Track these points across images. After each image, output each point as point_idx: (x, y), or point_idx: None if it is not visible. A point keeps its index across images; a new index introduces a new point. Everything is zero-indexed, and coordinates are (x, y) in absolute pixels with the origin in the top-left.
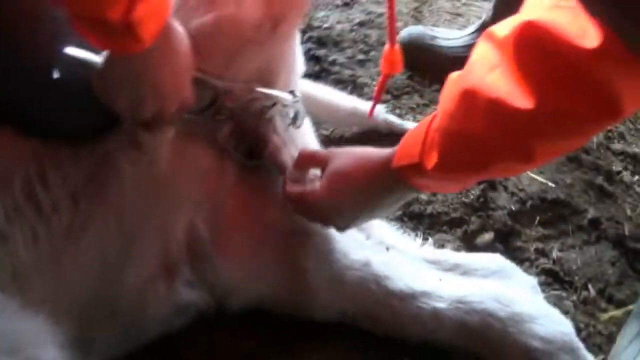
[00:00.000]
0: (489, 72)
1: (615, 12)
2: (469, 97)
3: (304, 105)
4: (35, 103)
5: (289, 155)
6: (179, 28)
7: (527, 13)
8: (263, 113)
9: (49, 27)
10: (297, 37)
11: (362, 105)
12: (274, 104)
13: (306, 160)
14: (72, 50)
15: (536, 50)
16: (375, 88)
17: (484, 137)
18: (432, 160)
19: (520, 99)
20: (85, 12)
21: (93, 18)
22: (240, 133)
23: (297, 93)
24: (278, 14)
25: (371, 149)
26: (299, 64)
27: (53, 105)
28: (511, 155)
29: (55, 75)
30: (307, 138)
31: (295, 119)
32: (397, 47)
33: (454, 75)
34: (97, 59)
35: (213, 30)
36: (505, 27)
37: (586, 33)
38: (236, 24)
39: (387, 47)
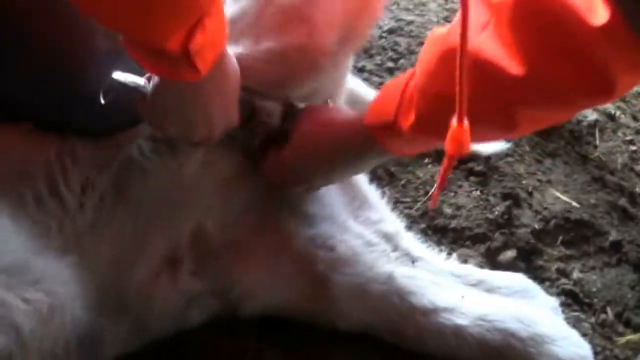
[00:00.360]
0: (477, 33)
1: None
2: (453, 59)
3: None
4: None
5: None
6: (231, 56)
7: None
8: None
9: (99, 54)
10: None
11: None
12: None
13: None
14: (120, 75)
15: (536, 18)
16: (439, 173)
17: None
18: (408, 120)
19: (510, 64)
20: (143, 41)
21: (151, 47)
22: (270, 141)
23: (331, 103)
24: (346, 41)
25: (340, 110)
26: (347, 77)
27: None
28: (493, 122)
29: (103, 100)
30: None
31: None
32: (466, 125)
33: (435, 33)
34: (144, 83)
35: (280, 58)
36: None
37: (594, 7)
38: (304, 53)
39: (454, 123)
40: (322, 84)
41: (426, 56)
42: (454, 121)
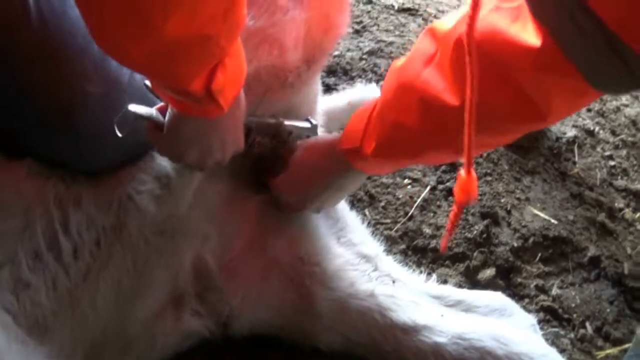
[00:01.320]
0: (424, 67)
1: (560, 21)
2: (406, 91)
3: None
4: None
5: None
6: None
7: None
8: (286, 142)
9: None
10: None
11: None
12: (294, 133)
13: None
14: (134, 107)
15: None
16: (449, 221)
17: (417, 129)
18: (370, 146)
19: (450, 96)
20: (170, 84)
21: (179, 89)
22: (261, 161)
23: (313, 121)
24: (312, 58)
25: (327, 137)
26: (319, 93)
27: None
28: (441, 147)
29: (120, 134)
30: None
31: None
32: (473, 174)
33: (396, 65)
34: (156, 114)
35: (254, 79)
36: (447, 23)
37: (526, 34)
38: (275, 71)
39: (462, 173)
40: (296, 100)
41: (386, 85)
42: (462, 171)
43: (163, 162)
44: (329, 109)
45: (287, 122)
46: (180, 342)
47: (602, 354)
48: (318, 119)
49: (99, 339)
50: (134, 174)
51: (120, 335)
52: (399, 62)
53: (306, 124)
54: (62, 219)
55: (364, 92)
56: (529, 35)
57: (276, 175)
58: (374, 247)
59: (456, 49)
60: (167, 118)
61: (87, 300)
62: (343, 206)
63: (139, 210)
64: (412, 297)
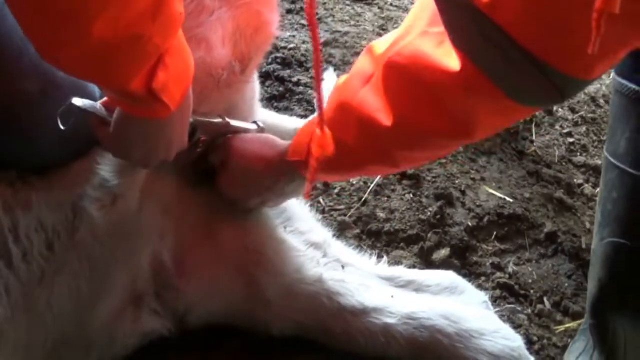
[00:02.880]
0: (362, 87)
1: (477, 49)
2: (344, 110)
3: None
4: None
5: None
6: None
7: (401, 35)
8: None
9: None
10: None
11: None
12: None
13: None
14: (78, 101)
15: (400, 77)
16: (309, 173)
17: (355, 146)
18: (327, 136)
19: (383, 116)
20: (111, 86)
21: (119, 90)
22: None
23: (260, 124)
24: (245, 56)
25: (268, 141)
26: (257, 93)
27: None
28: (379, 162)
29: (62, 126)
30: None
31: None
32: (327, 130)
33: (339, 81)
34: (100, 108)
35: None
36: (384, 43)
37: (449, 58)
38: (206, 67)
39: (317, 131)
40: (235, 99)
41: (329, 101)
42: (317, 130)
43: (107, 165)
44: (275, 124)
45: (233, 123)
46: (140, 341)
47: (561, 328)
48: (259, 118)
49: (60, 340)
50: (83, 175)
51: (81, 337)
52: (342, 79)
53: (253, 126)
54: (12, 225)
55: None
56: (452, 59)
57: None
58: (323, 234)
59: (386, 71)
60: (114, 116)
61: (43, 303)
62: None
63: (90, 215)
64: (362, 280)
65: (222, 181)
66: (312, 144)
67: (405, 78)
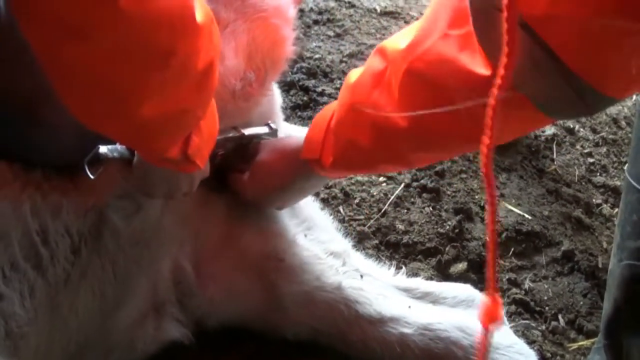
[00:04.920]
0: (374, 88)
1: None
2: (357, 111)
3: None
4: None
5: None
6: None
7: (419, 37)
8: (248, 149)
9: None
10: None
11: None
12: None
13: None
14: (105, 149)
15: (422, 83)
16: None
17: (369, 147)
18: (328, 159)
19: (399, 118)
20: (150, 154)
21: (156, 158)
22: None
23: (273, 125)
24: (260, 68)
25: (292, 140)
26: (278, 105)
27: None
28: (392, 162)
29: (92, 176)
30: None
31: None
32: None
33: (350, 78)
34: (127, 152)
35: None
36: (397, 43)
37: (476, 64)
38: (221, 80)
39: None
40: (254, 113)
41: (341, 99)
42: (487, 297)
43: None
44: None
45: (247, 132)
46: (159, 348)
47: (574, 345)
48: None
49: (82, 343)
50: (109, 183)
51: (103, 341)
52: (353, 76)
53: (265, 129)
54: (40, 229)
55: None
56: (478, 65)
57: (238, 171)
58: (343, 244)
59: (407, 77)
60: (135, 160)
61: (67, 305)
62: (311, 206)
63: (113, 223)
64: (380, 290)
65: (243, 183)
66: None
67: (427, 84)
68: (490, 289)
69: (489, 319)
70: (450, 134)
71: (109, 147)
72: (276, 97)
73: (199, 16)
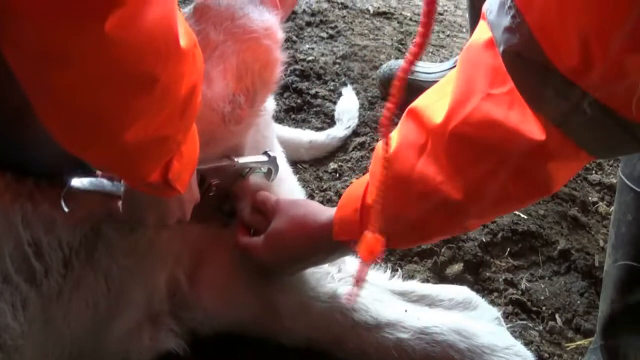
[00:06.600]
0: (417, 158)
1: (562, 115)
2: (403, 186)
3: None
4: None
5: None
6: None
7: (459, 100)
8: (242, 177)
9: None
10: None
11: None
12: (250, 168)
13: (256, 207)
14: (77, 182)
15: (471, 147)
16: (356, 278)
17: (422, 220)
18: (378, 242)
19: (451, 189)
20: (131, 180)
21: (138, 183)
22: (221, 196)
23: (271, 153)
24: (250, 90)
25: (312, 210)
26: (271, 125)
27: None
28: (448, 231)
29: (67, 209)
30: (286, 186)
31: (269, 173)
32: (379, 236)
33: (379, 152)
34: (102, 183)
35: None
36: (434, 111)
37: (528, 124)
38: (207, 101)
39: (368, 234)
40: (246, 137)
41: (376, 175)
42: (368, 232)
43: None
44: (291, 138)
45: (241, 160)
46: (154, 358)
47: (572, 345)
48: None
49: (76, 354)
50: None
51: (97, 352)
52: (387, 150)
53: (263, 158)
54: (32, 240)
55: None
56: (531, 125)
57: (248, 228)
58: None
59: (453, 142)
60: (123, 190)
61: (61, 317)
62: None
63: (108, 238)
64: (376, 295)
65: (256, 249)
66: (360, 248)
67: (476, 148)
68: (373, 225)
69: (369, 253)
70: (509, 198)
71: (82, 179)
72: (272, 123)
73: (183, 41)
